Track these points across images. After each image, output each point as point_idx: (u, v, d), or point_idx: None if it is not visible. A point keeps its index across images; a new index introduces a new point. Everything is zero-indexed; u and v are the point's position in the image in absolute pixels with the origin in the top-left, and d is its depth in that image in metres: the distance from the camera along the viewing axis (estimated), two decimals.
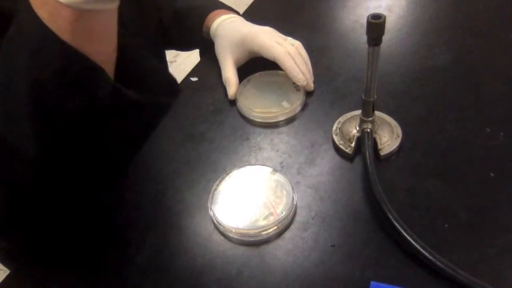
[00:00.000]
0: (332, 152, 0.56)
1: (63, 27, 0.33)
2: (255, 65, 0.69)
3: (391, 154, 0.53)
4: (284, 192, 0.50)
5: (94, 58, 0.35)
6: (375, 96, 0.51)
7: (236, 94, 0.66)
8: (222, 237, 0.48)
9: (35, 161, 0.38)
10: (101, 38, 0.37)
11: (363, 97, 0.51)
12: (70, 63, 0.34)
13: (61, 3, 0.32)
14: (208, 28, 0.73)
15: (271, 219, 0.48)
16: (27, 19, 0.34)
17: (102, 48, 0.37)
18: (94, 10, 0.34)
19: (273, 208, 0.49)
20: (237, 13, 0.77)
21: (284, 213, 0.48)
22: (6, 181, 0.40)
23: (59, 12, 0.33)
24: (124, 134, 0.45)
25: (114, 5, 0.35)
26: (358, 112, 0.54)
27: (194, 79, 0.73)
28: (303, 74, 0.63)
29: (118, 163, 0.51)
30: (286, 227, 0.48)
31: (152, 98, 0.39)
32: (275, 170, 0.53)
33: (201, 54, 0.83)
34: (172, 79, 0.43)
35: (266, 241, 0.47)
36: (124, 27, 0.37)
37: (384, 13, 0.42)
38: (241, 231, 0.47)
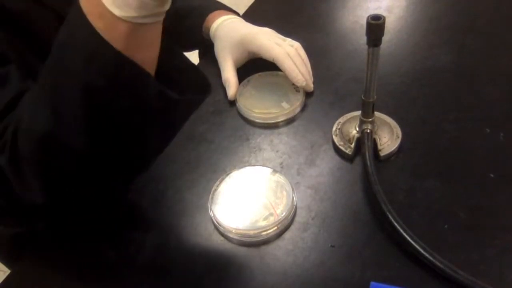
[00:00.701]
0: (332, 152, 0.56)
1: (117, 38, 0.36)
2: (255, 65, 0.69)
3: (391, 154, 0.53)
4: (284, 193, 0.50)
5: (141, 63, 0.38)
6: (375, 96, 0.51)
7: (235, 95, 0.66)
8: (222, 238, 0.48)
9: (83, 153, 0.42)
10: (150, 47, 0.40)
11: (363, 98, 0.51)
12: (122, 70, 0.37)
13: (118, 17, 0.35)
14: (208, 29, 0.73)
15: (271, 219, 0.48)
16: (81, 28, 0.37)
17: (149, 55, 0.41)
18: (147, 23, 0.37)
19: (273, 208, 0.49)
20: (237, 13, 0.78)
21: (284, 213, 0.48)
22: (50, 168, 0.44)
23: (115, 25, 0.36)
24: (161, 129, 0.50)
25: (163, 17, 0.38)
26: (358, 112, 0.54)
27: None
28: (302, 75, 0.63)
29: (151, 155, 0.57)
30: (286, 228, 0.48)
31: (189, 96, 0.43)
32: (275, 171, 0.53)
33: (200, 55, 0.84)
34: (203, 75, 0.46)
35: (266, 241, 0.47)
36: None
37: (384, 14, 0.43)
38: (241, 231, 0.47)
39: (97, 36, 0.36)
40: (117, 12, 0.35)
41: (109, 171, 0.48)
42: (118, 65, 0.37)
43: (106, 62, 0.37)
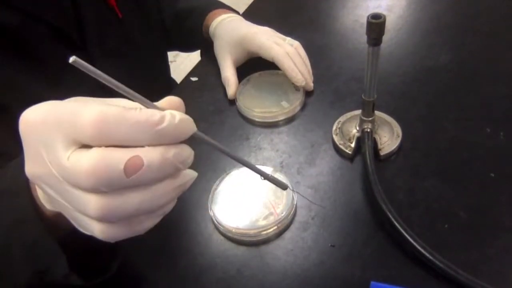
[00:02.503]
0: (332, 152, 0.56)
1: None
2: (255, 65, 0.69)
3: (391, 154, 0.53)
4: (284, 192, 0.50)
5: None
6: (375, 96, 0.51)
7: (235, 94, 0.65)
8: (222, 237, 0.48)
9: None
10: None
11: (363, 97, 0.51)
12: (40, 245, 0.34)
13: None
14: (208, 28, 0.73)
15: (271, 219, 0.47)
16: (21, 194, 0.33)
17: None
18: None
19: (273, 208, 0.49)
20: (237, 12, 0.77)
21: (284, 213, 0.48)
22: None
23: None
24: None
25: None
26: (358, 112, 0.54)
27: (194, 79, 0.73)
28: (302, 74, 0.63)
29: None
30: (286, 227, 0.48)
31: (91, 281, 0.39)
32: (275, 170, 0.53)
33: (202, 54, 0.83)
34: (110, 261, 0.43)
35: (266, 241, 0.47)
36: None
37: (384, 13, 0.42)
38: (241, 231, 0.47)
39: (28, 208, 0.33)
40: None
41: None
42: (36, 240, 0.34)
43: (28, 228, 0.33)
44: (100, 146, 0.24)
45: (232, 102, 0.66)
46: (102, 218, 0.25)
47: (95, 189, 0.24)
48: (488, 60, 0.66)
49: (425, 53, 0.69)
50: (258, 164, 0.55)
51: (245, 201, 0.50)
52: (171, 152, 0.26)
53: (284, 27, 0.71)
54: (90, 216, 0.25)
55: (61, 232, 0.34)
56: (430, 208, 0.47)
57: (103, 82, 0.24)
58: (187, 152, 0.28)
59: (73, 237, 0.33)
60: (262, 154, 0.57)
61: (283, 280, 0.44)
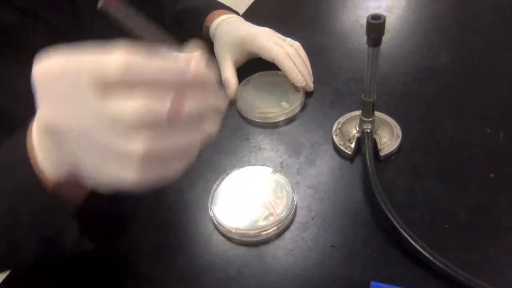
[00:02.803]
0: (332, 152, 0.56)
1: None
2: (255, 65, 0.69)
3: (391, 154, 0.53)
4: (284, 193, 0.50)
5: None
6: (375, 96, 0.51)
7: (235, 95, 0.66)
8: (222, 237, 0.48)
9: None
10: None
11: (363, 98, 0.51)
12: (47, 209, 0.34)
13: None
14: (208, 28, 0.73)
15: (271, 219, 0.48)
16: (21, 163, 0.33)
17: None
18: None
19: (273, 208, 0.49)
20: (237, 13, 0.77)
21: (284, 213, 0.48)
22: None
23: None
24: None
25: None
26: (358, 112, 0.54)
27: None
28: (302, 75, 0.63)
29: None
30: (286, 228, 0.48)
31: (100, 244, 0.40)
32: (275, 171, 0.53)
33: None
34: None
35: (266, 241, 0.47)
36: None
37: (384, 13, 0.43)
38: (241, 231, 0.47)
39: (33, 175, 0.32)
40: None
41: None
42: (47, 206, 0.34)
43: (33, 196, 0.33)
44: (130, 89, 0.24)
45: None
46: (146, 157, 0.25)
47: (139, 132, 0.25)
48: (488, 60, 0.66)
49: (425, 53, 0.69)
50: (258, 165, 0.55)
51: (245, 202, 0.50)
52: (208, 97, 0.27)
53: (284, 28, 0.71)
54: (133, 156, 0.25)
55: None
56: (430, 208, 0.47)
57: (132, 27, 0.26)
58: (222, 98, 0.29)
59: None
60: (262, 154, 0.57)
61: (283, 280, 0.44)
